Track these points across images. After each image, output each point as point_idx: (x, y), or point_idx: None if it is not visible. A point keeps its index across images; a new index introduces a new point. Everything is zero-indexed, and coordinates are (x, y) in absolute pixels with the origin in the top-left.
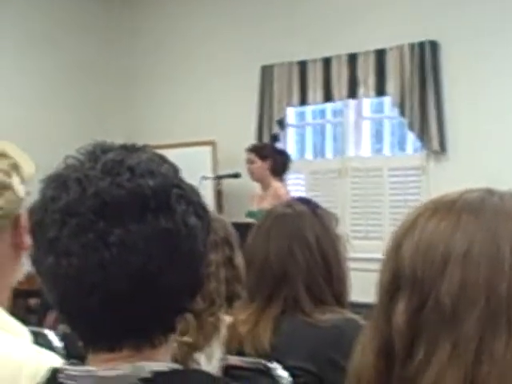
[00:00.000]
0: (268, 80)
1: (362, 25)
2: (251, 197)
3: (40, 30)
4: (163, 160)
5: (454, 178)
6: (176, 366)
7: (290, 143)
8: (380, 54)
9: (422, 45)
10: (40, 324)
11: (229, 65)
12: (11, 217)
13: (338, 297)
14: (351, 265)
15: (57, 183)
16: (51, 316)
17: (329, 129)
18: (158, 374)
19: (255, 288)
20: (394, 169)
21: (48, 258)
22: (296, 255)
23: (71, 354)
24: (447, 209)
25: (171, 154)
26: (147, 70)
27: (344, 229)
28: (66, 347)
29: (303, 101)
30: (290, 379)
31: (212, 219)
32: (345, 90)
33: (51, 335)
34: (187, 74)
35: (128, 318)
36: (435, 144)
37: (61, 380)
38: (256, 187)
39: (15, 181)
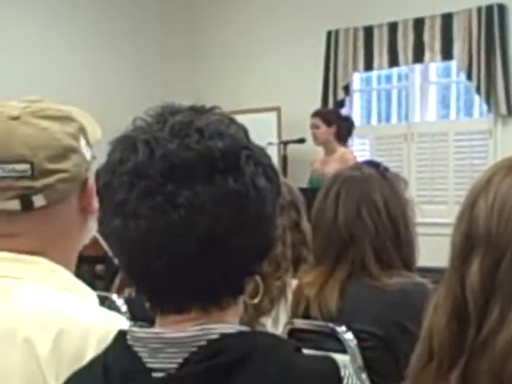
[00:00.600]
0: (333, 45)
1: None
2: (312, 160)
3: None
4: (232, 121)
5: None
6: (244, 328)
7: (355, 109)
8: (447, 18)
9: (489, 8)
10: (106, 290)
11: (294, 30)
12: (78, 180)
13: (406, 261)
14: (419, 230)
15: (125, 145)
16: (117, 281)
17: (394, 94)
18: (225, 336)
19: (322, 251)
20: (460, 133)
21: (115, 221)
22: (364, 218)
23: (136, 317)
24: None
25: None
26: (213, 36)
27: (410, 193)
28: (130, 311)
29: (369, 66)
30: (356, 342)
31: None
32: (411, 55)
33: (117, 300)
34: (252, 41)
35: (196, 280)
36: (502, 107)
37: (129, 342)
38: (320, 152)
39: (82, 144)
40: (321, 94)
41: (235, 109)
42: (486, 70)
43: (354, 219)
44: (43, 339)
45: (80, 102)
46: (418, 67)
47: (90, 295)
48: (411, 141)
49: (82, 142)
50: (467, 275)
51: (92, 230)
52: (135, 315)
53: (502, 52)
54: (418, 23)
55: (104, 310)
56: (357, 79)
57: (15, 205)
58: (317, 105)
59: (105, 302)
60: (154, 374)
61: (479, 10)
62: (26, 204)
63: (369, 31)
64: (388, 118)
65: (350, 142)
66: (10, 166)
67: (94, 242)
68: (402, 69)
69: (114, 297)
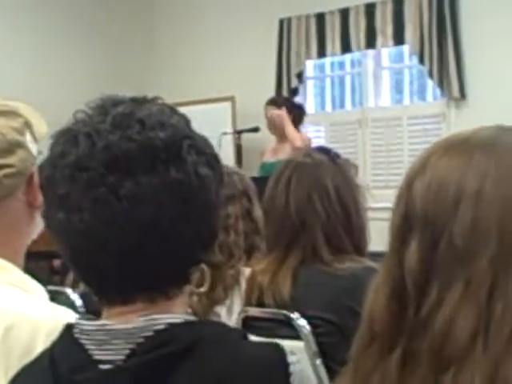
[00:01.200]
0: (286, 33)
1: None
2: (263, 151)
3: None
4: (173, 111)
5: (474, 124)
6: (191, 317)
7: (309, 96)
8: (397, 3)
9: None
10: (62, 284)
11: (246, 19)
12: (25, 175)
13: (357, 246)
14: (373, 214)
15: (66, 138)
16: (71, 275)
17: (348, 80)
18: (172, 326)
19: (274, 238)
20: (414, 117)
21: (59, 214)
22: (315, 204)
23: (91, 311)
24: (459, 147)
25: (191, 111)
26: (164, 27)
27: (365, 179)
28: (85, 305)
29: (322, 53)
30: (310, 328)
31: (231, 172)
32: (363, 41)
33: (72, 294)
34: (205, 31)
35: (141, 270)
36: (455, 91)
37: (76, 335)
38: (273, 142)
39: (28, 139)
40: (274, 83)
41: (189, 99)
42: (437, 54)
43: (304, 206)
44: None
45: (30, 99)
46: (370, 53)
47: (39, 290)
48: (365, 126)
49: (28, 136)
50: (405, 256)
51: (40, 224)
52: (90, 309)
53: (454, 35)
54: (370, 9)
55: (53, 304)
56: (310, 66)
57: None
58: (271, 93)
59: (60, 296)
60: (102, 366)
61: None
62: None
63: (321, 18)
64: (342, 105)
65: (302, 129)
66: None
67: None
68: (355, 55)
69: (69, 291)
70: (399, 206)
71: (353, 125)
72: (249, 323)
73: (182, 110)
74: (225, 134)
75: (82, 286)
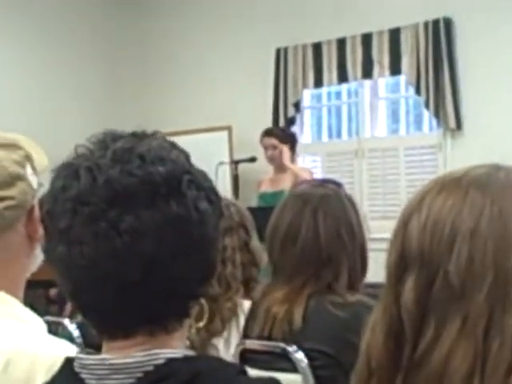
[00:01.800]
0: (283, 62)
1: (375, 4)
2: (258, 183)
3: (46, 17)
4: (173, 146)
5: (470, 155)
6: (190, 352)
7: (306, 125)
8: (394, 33)
9: (436, 22)
10: (60, 314)
11: (242, 48)
12: (25, 207)
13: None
14: (370, 245)
15: (67, 172)
16: (69, 305)
17: (344, 110)
18: (171, 361)
19: (295, 268)
20: (410, 148)
21: (59, 248)
22: (344, 239)
23: (89, 343)
24: (454, 185)
25: (188, 141)
26: (161, 56)
27: (362, 209)
28: (83, 336)
29: (318, 83)
30: (307, 362)
31: (228, 204)
32: (360, 71)
33: (69, 325)
34: (201, 60)
35: (141, 305)
36: (451, 122)
37: (76, 369)
38: (270, 171)
39: (28, 171)
40: (271, 112)
41: (186, 129)
42: (434, 85)
43: (334, 240)
44: None
45: (28, 130)
46: (367, 83)
47: (38, 322)
48: (362, 156)
49: (29, 169)
50: (402, 294)
51: (39, 257)
52: (88, 340)
53: (450, 66)
54: (366, 39)
55: (51, 337)
56: (307, 96)
57: None
58: (268, 122)
59: (57, 326)
60: None
61: (426, 24)
62: None
63: (317, 48)
64: (338, 134)
65: (299, 158)
66: None
67: (48, 265)
68: (352, 85)
69: (67, 322)
70: (395, 243)
71: (349, 155)
72: (247, 356)
73: (179, 139)
74: (221, 163)
75: (79, 317)
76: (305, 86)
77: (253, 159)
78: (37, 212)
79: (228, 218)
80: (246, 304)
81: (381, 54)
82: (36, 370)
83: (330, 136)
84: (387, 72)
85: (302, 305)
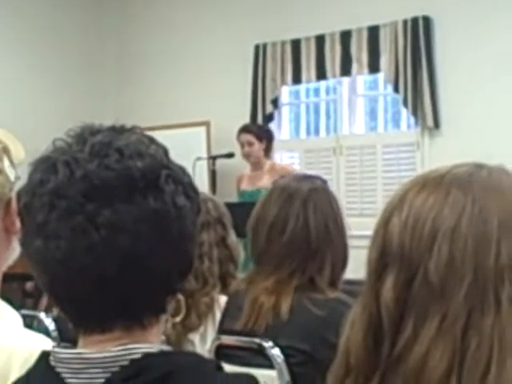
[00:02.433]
0: (261, 59)
1: (354, 1)
2: (238, 179)
3: (25, 11)
4: (152, 141)
5: (448, 153)
6: (166, 347)
7: (284, 122)
8: (373, 31)
9: (415, 20)
10: (35, 308)
11: (221, 44)
12: (2, 200)
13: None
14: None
15: (45, 166)
16: (45, 299)
17: (323, 107)
18: (147, 356)
19: (282, 258)
20: (388, 145)
21: (36, 242)
22: (331, 233)
23: (65, 336)
24: (436, 183)
25: (166, 136)
26: (139, 50)
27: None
28: (59, 330)
29: (297, 79)
30: (283, 358)
31: (205, 199)
32: (338, 68)
33: (45, 318)
34: (180, 55)
35: (118, 299)
36: (429, 120)
37: (52, 363)
38: (246, 168)
39: (5, 164)
40: (250, 108)
41: (164, 124)
42: (412, 83)
43: (322, 233)
44: None
45: (5, 123)
46: (345, 80)
47: (14, 316)
48: (340, 153)
49: (6, 162)
50: (381, 292)
51: (16, 250)
52: (64, 334)
53: (428, 64)
54: (345, 36)
55: (27, 330)
56: (285, 92)
57: None
58: (246, 119)
59: (33, 320)
60: None
61: (405, 22)
62: None
63: (296, 44)
64: (317, 131)
65: (277, 154)
66: None
67: (24, 258)
68: (330, 82)
69: (42, 316)
70: (376, 240)
71: (327, 152)
72: (223, 351)
73: (157, 134)
74: (199, 159)
75: (55, 311)
76: (283, 82)
77: (230, 155)
78: (14, 205)
79: (205, 213)
80: (223, 299)
81: (359, 52)
82: (12, 363)
83: (308, 133)
84: (366, 69)
85: (290, 297)
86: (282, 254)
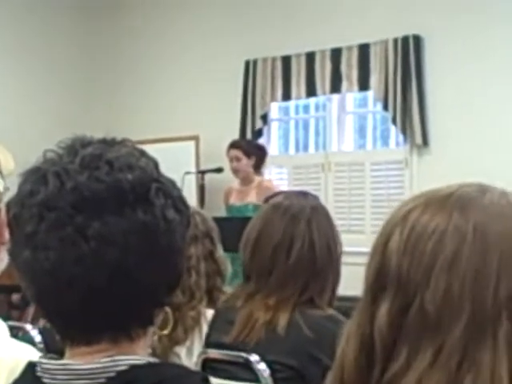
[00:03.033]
0: (251, 74)
1: (345, 19)
2: (227, 192)
3: (14, 18)
4: (142, 154)
5: (436, 171)
6: (152, 359)
7: (273, 138)
8: (363, 49)
9: (405, 39)
10: (20, 320)
11: (212, 60)
12: None
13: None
14: None
15: (35, 177)
16: (31, 310)
17: (312, 123)
18: (134, 367)
19: (288, 278)
20: (377, 163)
21: (25, 252)
22: (332, 253)
23: (51, 348)
24: (440, 205)
25: (155, 149)
26: (130, 65)
27: None
28: (45, 342)
29: (287, 96)
30: (269, 372)
31: (193, 213)
32: (328, 85)
33: (31, 330)
34: (170, 70)
35: (105, 311)
36: (418, 138)
37: (38, 374)
38: (234, 183)
39: None
40: (239, 123)
41: (154, 137)
42: (401, 101)
43: (325, 253)
44: None
45: None
46: (335, 97)
47: (0, 326)
48: (328, 170)
49: None
50: (376, 314)
51: (4, 260)
52: (50, 346)
53: (418, 83)
54: (336, 53)
55: (14, 341)
56: (275, 108)
57: None
58: (235, 133)
59: (18, 331)
60: None
61: (395, 41)
62: None
63: (287, 61)
64: (305, 148)
65: (265, 170)
66: None
67: (10, 270)
68: (320, 99)
69: (29, 327)
70: (374, 259)
71: (316, 168)
72: (209, 365)
73: (146, 147)
74: (188, 173)
75: (41, 322)
76: (273, 98)
77: (219, 170)
78: (3, 216)
79: (193, 227)
80: (210, 313)
81: (349, 69)
82: None
83: (297, 149)
84: (355, 87)
85: (288, 313)
86: (287, 275)
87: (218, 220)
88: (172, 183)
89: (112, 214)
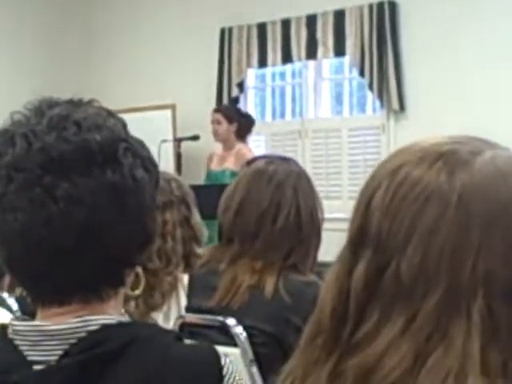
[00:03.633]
0: (227, 42)
1: None
2: (209, 156)
3: None
4: (110, 114)
5: (413, 136)
6: (124, 318)
7: (249, 105)
8: (339, 15)
9: (380, 5)
10: None
11: (187, 28)
12: None
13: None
14: None
15: (3, 139)
16: (7, 280)
17: (288, 90)
18: (106, 327)
19: (275, 243)
20: (354, 129)
21: None
22: (315, 219)
23: (27, 315)
24: (432, 160)
25: (131, 118)
26: (105, 34)
27: None
28: (22, 310)
29: (263, 63)
30: (246, 335)
31: (169, 179)
32: (304, 51)
33: (8, 298)
34: (146, 38)
35: (75, 271)
36: (395, 103)
37: (10, 336)
38: (214, 149)
39: None
40: (215, 91)
41: (130, 106)
42: (378, 67)
43: (310, 219)
44: None
45: None
46: (311, 64)
47: None
48: (305, 137)
49: None
50: (354, 271)
51: None
52: (27, 314)
53: (394, 48)
54: (311, 20)
55: None
56: (251, 76)
57: None
58: (211, 101)
59: None
60: (35, 367)
61: (370, 6)
62: None
63: (262, 28)
64: (282, 115)
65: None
66: None
67: None
68: (296, 65)
69: (5, 295)
70: (358, 211)
71: (293, 135)
72: (186, 329)
73: (123, 116)
74: (164, 141)
75: (18, 291)
76: (249, 65)
77: (195, 137)
78: None
79: (169, 192)
80: (186, 278)
81: (325, 35)
82: None
83: (274, 116)
84: (331, 53)
85: (274, 277)
86: (273, 239)
87: (195, 188)
88: (140, 143)
89: (80, 174)
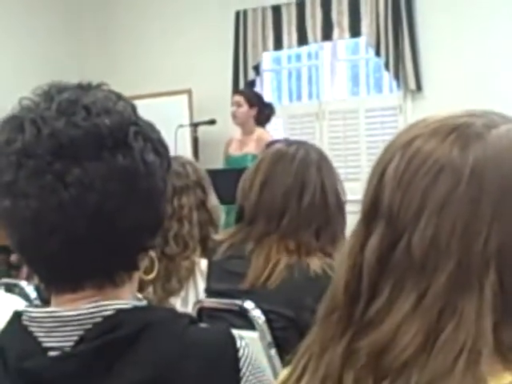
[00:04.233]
0: (242, 25)
1: None
2: (228, 141)
3: None
4: (119, 98)
5: None
6: (140, 303)
7: (266, 88)
8: None
9: None
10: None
11: (202, 12)
12: None
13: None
14: None
15: (12, 125)
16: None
17: (305, 72)
18: (121, 312)
19: (303, 222)
20: (371, 110)
21: (5, 202)
22: (340, 201)
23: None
24: (445, 134)
25: (147, 104)
26: (120, 18)
27: None
28: (40, 297)
29: (278, 45)
30: (264, 318)
31: (185, 163)
32: (319, 33)
33: (26, 286)
34: (162, 24)
35: (88, 257)
36: (411, 83)
37: (25, 323)
38: (232, 134)
39: None
40: (231, 75)
41: (146, 92)
42: (393, 46)
43: (335, 198)
44: None
45: None
46: (327, 45)
47: None
48: (322, 119)
49: None
50: (367, 244)
51: None
52: (45, 302)
53: (409, 27)
54: (326, 1)
55: (3, 292)
56: (267, 59)
57: None
58: (228, 86)
59: (14, 288)
60: (51, 353)
61: None
62: None
63: (277, 10)
64: (299, 97)
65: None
66: None
67: None
68: (312, 47)
69: (24, 283)
70: (371, 183)
71: (310, 117)
72: (205, 313)
73: (138, 102)
74: (181, 126)
75: (36, 279)
76: (264, 48)
77: (212, 122)
78: None
79: (184, 176)
80: (204, 263)
81: (340, 16)
82: None
83: (291, 98)
84: (347, 34)
85: (315, 258)
86: (300, 219)
87: (212, 172)
88: (151, 126)
89: (91, 159)
